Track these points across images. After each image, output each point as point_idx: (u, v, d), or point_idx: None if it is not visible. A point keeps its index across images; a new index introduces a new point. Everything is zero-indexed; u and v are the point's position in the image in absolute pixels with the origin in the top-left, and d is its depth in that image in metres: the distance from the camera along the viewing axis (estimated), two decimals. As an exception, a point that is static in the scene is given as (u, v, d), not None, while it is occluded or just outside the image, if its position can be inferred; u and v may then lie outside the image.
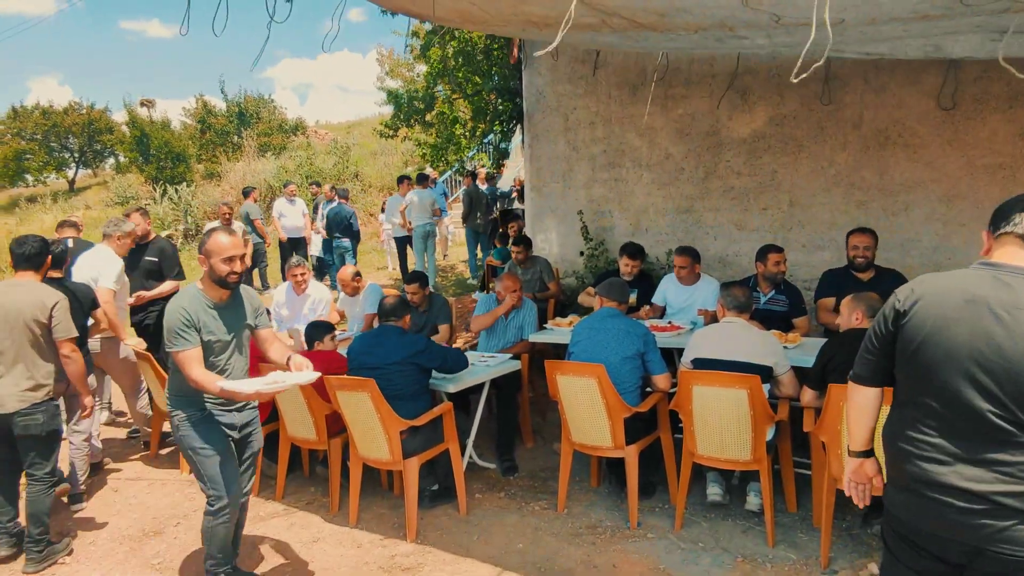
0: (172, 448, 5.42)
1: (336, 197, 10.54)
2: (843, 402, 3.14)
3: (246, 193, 10.82)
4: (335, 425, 4.19)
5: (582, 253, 6.84)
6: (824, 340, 4.01)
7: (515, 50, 5.67)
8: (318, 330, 4.67)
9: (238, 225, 9.73)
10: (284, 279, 6.42)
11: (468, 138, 9.08)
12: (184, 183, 17.43)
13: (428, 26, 9.42)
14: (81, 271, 4.84)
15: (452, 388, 4.20)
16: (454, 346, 5.75)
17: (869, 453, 2.15)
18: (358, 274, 5.87)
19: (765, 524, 3.62)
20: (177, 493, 4.64)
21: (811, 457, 3.75)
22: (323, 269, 10.79)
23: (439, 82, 9.28)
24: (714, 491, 3.90)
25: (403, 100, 9.40)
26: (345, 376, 3.90)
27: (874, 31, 3.50)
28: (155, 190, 17.02)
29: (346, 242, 10.01)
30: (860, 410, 2.10)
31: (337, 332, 4.91)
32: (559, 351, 4.60)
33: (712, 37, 3.89)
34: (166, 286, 5.60)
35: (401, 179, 10.29)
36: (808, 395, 3.55)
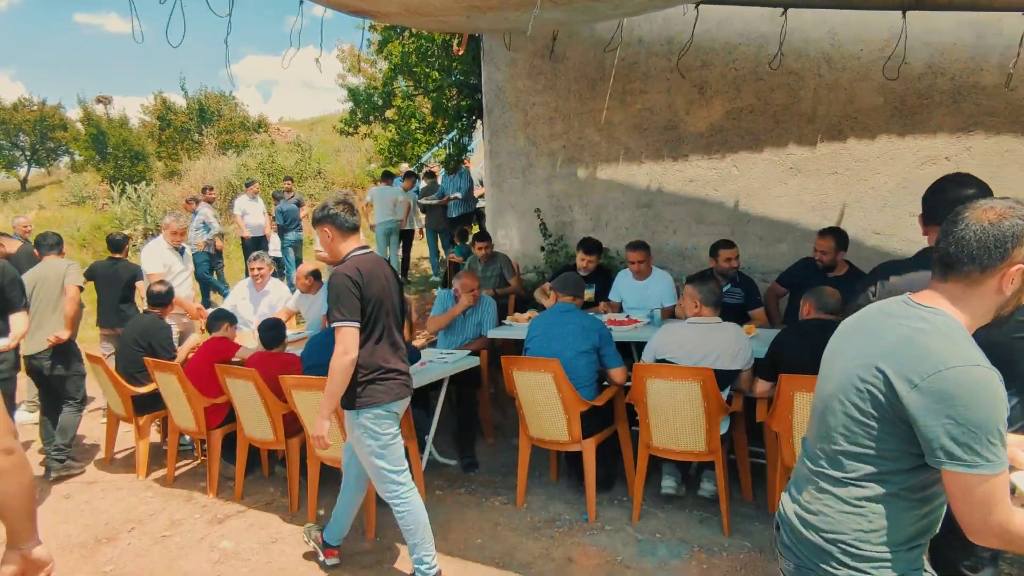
0: (128, 451, 5.32)
1: (291, 193, 10.56)
2: (794, 392, 3.20)
3: (203, 191, 10.65)
4: (293, 425, 4.15)
5: (543, 249, 6.85)
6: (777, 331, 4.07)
7: (463, 42, 5.64)
8: (217, 320, 4.91)
9: (206, 217, 9.62)
10: (247, 276, 6.34)
11: (427, 134, 9.02)
12: (143, 182, 17.07)
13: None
14: None
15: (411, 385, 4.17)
16: (414, 343, 5.72)
17: None
18: (312, 273, 5.81)
19: (721, 514, 3.67)
20: (132, 497, 4.55)
21: (765, 446, 3.81)
22: (283, 269, 10.68)
23: (399, 78, 9.21)
24: (668, 483, 3.93)
25: (362, 97, 9.30)
26: (300, 376, 3.85)
27: None
28: (113, 189, 16.64)
29: (292, 235, 10.11)
30: None
31: (291, 332, 4.88)
32: (520, 347, 4.60)
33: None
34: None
35: (408, 175, 10.23)
36: (761, 386, 3.60)
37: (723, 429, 3.61)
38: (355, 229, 3.19)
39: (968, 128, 5.53)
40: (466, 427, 4.80)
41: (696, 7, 5.63)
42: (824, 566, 1.54)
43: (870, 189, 5.83)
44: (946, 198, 2.08)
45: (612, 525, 3.79)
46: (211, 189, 10.82)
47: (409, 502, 3.21)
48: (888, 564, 1.49)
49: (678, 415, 3.54)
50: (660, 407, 3.58)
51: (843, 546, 1.51)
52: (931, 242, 2.08)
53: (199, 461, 5.09)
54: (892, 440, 1.46)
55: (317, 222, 3.18)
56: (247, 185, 10.69)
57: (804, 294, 3.64)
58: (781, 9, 5.35)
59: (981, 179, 2.20)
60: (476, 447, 4.86)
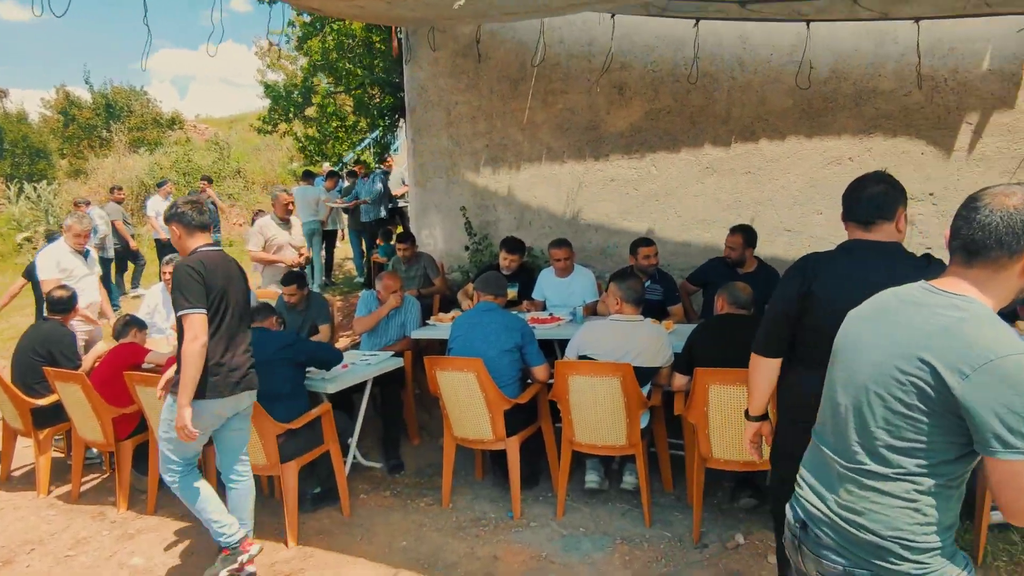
0: (27, 468, 5.02)
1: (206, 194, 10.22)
2: (709, 385, 3.30)
3: (112, 191, 10.16)
4: (207, 433, 4.00)
5: (467, 248, 6.84)
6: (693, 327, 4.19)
7: (395, 42, 5.57)
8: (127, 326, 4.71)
9: (101, 219, 9.13)
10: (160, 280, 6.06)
11: (349, 133, 8.85)
12: (45, 181, 16.12)
13: (307, 17, 9.14)
14: None
15: (331, 388, 4.10)
16: (336, 345, 5.62)
17: (765, 416, 2.45)
18: None
19: (642, 506, 3.75)
20: (32, 517, 4.29)
21: (684, 439, 3.91)
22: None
23: (319, 75, 9.01)
24: (591, 478, 4.00)
25: (281, 94, 9.05)
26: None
27: None
28: (9, 188, 15.65)
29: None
30: (765, 380, 2.36)
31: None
32: (444, 347, 4.58)
33: None
34: None
35: (330, 174, 9.94)
36: (678, 380, 3.70)
37: (643, 423, 3.69)
38: (202, 227, 3.30)
39: (869, 130, 5.84)
40: (391, 429, 4.75)
41: (612, 16, 5.75)
42: (882, 563, 1.50)
43: (781, 188, 6.07)
44: (863, 195, 2.25)
45: (537, 521, 3.82)
46: (119, 189, 10.33)
47: (180, 488, 3.32)
48: (940, 550, 1.50)
49: (599, 411, 3.59)
50: (582, 403, 3.63)
51: (902, 541, 1.48)
52: (851, 236, 2.30)
53: (107, 475, 4.85)
54: (940, 433, 1.43)
55: (167, 220, 3.31)
56: (159, 186, 10.26)
57: (718, 290, 3.76)
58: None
59: (894, 177, 2.34)
60: (401, 449, 4.81)
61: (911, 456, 1.46)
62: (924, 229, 5.79)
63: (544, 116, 6.67)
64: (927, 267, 2.18)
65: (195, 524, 4.02)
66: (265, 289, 6.05)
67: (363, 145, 10.59)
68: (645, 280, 5.01)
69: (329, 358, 4.09)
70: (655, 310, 4.93)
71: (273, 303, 5.06)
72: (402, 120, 8.48)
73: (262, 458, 3.70)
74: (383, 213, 9.52)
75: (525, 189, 6.82)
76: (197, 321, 3.04)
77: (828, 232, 5.95)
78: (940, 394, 1.40)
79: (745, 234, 4.88)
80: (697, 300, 5.60)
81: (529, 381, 4.12)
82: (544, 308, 5.33)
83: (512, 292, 5.54)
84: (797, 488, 1.74)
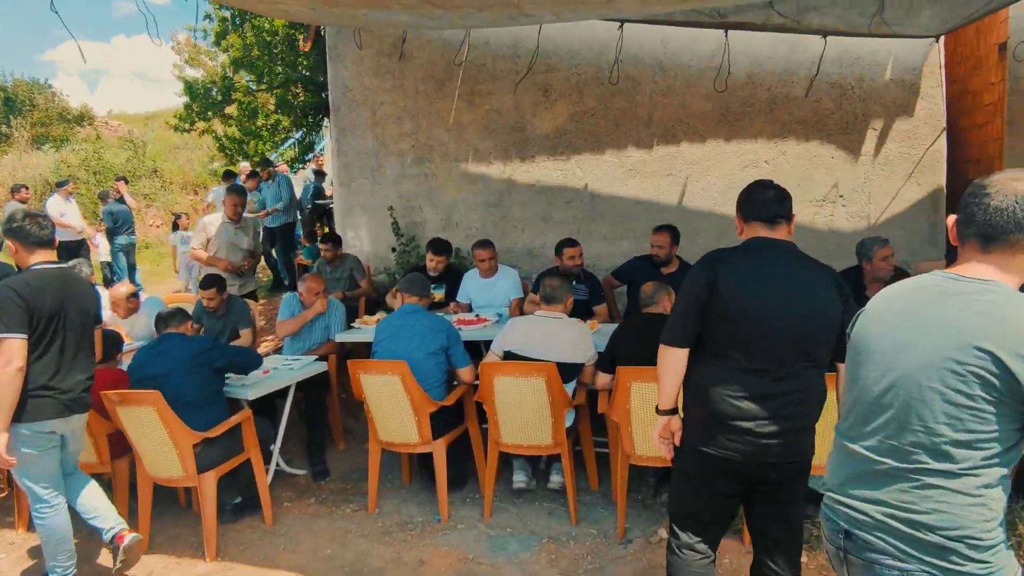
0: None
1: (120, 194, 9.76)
2: (631, 383, 3.36)
3: (14, 191, 9.57)
4: (119, 445, 3.82)
5: (394, 249, 6.76)
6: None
7: (310, 38, 5.45)
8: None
9: None
10: None
11: (272, 132, 8.61)
12: (-63, 178, 15.09)
13: (226, 11, 8.85)
14: None
15: (252, 394, 3.98)
16: (258, 350, 5.46)
17: (675, 410, 2.48)
18: (134, 295, 5.39)
19: (569, 504, 3.79)
20: (-77, 538, 4.01)
21: (608, 437, 3.97)
22: (114, 276, 9.85)
23: (240, 72, 8.74)
24: (519, 478, 4.02)
25: (199, 90, 8.72)
26: (126, 390, 3.56)
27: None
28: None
29: (123, 239, 9.39)
30: (674, 372, 2.39)
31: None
32: (370, 350, 4.51)
33: (504, 16, 3.94)
34: None
35: (251, 174, 9.56)
36: (601, 379, 3.75)
37: (568, 422, 3.73)
38: (42, 243, 3.19)
39: (782, 134, 6.08)
40: (316, 434, 4.65)
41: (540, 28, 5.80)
42: (945, 563, 1.45)
43: (701, 190, 6.25)
44: (767, 196, 2.39)
45: (464, 523, 3.81)
46: (24, 188, 9.74)
47: (46, 522, 3.20)
48: (1002, 544, 1.47)
49: (525, 411, 3.61)
50: (507, 404, 3.64)
51: (969, 541, 1.44)
52: (748, 235, 2.40)
53: (5, 493, 4.56)
54: (1006, 420, 1.41)
55: (4, 235, 3.23)
56: (59, 185, 9.70)
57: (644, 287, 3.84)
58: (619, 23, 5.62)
59: (779, 183, 2.48)
60: (327, 454, 4.71)
61: (978, 448, 1.43)
62: (836, 229, 6.06)
63: (470, 117, 6.67)
64: (822, 266, 2.34)
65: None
66: (183, 294, 5.84)
67: (287, 145, 10.32)
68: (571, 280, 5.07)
69: (248, 363, 3.97)
70: (581, 310, 4.98)
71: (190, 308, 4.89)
72: (327, 119, 8.31)
73: (178, 469, 3.56)
74: (292, 218, 9.23)
75: (452, 190, 6.79)
76: (11, 346, 2.94)
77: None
78: (1004, 381, 1.39)
79: (672, 233, 5.00)
80: (621, 299, 5.70)
81: (455, 383, 4.11)
82: (470, 310, 5.33)
83: (439, 294, 5.52)
84: (831, 496, 1.68)
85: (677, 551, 2.48)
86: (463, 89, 6.58)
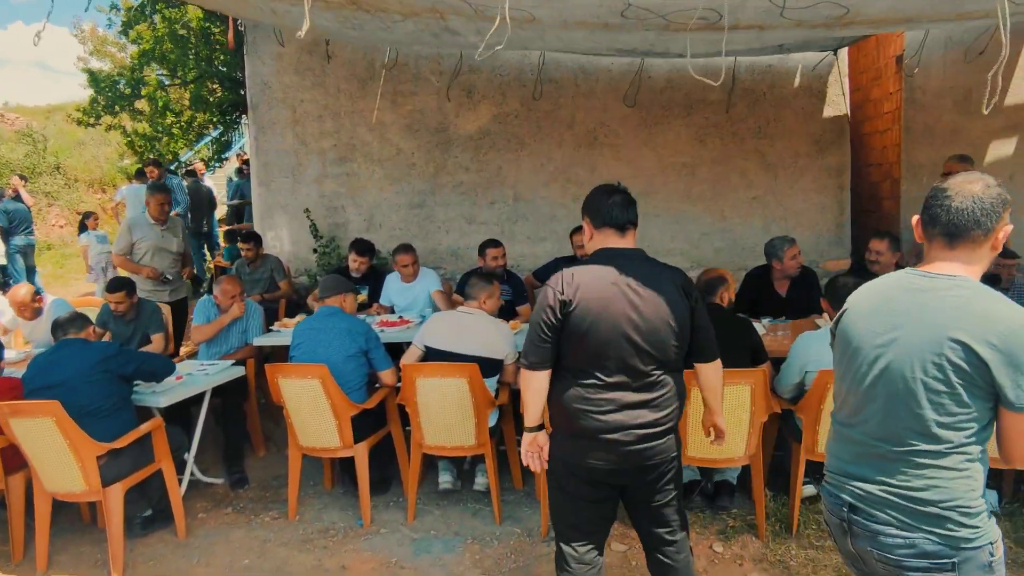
0: None
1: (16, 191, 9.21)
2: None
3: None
4: (14, 459, 3.59)
5: (315, 251, 6.63)
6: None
7: (231, 34, 5.27)
8: None
9: None
10: None
11: (186, 129, 8.26)
12: None
13: (135, 0, 8.46)
14: None
15: (164, 402, 3.82)
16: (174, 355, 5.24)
17: (541, 427, 2.47)
18: (37, 293, 5.09)
19: (493, 504, 3.80)
20: None
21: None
22: (9, 278, 9.26)
23: (151, 64, 8.36)
24: (444, 479, 4.00)
25: (104, 83, 8.29)
26: (20, 401, 3.35)
27: (568, 36, 3.80)
28: None
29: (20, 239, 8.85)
30: (538, 392, 2.37)
31: (14, 352, 4.24)
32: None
33: (428, 31, 3.93)
34: None
35: (139, 173, 9.04)
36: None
37: (492, 422, 3.74)
38: None
39: (700, 138, 6.27)
40: (233, 441, 4.50)
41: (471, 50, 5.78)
42: (942, 530, 1.63)
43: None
44: (618, 202, 2.38)
45: (388, 527, 3.77)
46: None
47: None
48: (985, 510, 1.66)
49: (447, 412, 3.60)
50: (430, 405, 3.62)
51: (961, 509, 1.63)
52: (598, 241, 2.40)
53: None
54: (978, 402, 1.60)
55: None
56: None
57: None
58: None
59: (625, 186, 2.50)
60: (246, 461, 4.57)
61: (959, 429, 1.62)
62: (749, 229, 6.30)
63: (393, 117, 6.61)
64: (670, 269, 2.40)
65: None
66: (91, 297, 5.54)
67: (202, 143, 9.94)
68: (493, 281, 5.09)
69: (158, 369, 3.80)
70: (505, 310, 5.00)
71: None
72: (245, 117, 8.06)
73: (80, 483, 3.37)
74: (192, 223, 8.86)
75: (375, 190, 6.71)
76: None
77: (664, 235, 6.34)
78: (975, 366, 1.57)
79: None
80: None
81: (377, 385, 4.06)
82: (392, 312, 5.27)
83: (362, 295, 5.44)
84: (834, 477, 1.85)
85: (568, 567, 2.48)
86: (386, 88, 6.51)
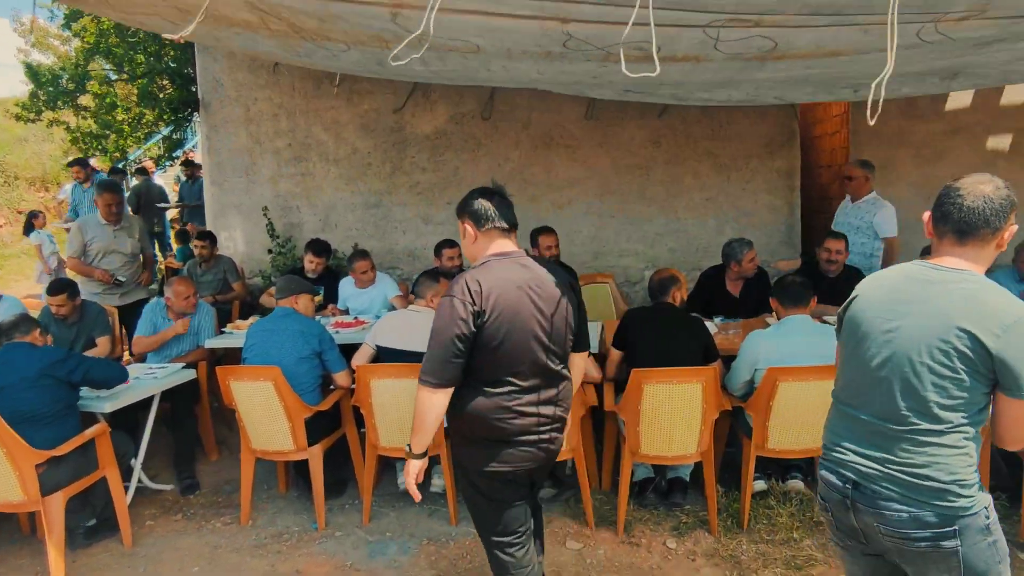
0: None
1: None
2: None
3: None
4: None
5: (270, 251, 6.52)
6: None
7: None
8: None
9: None
10: None
11: (134, 126, 8.03)
12: None
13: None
14: None
15: (109, 407, 3.71)
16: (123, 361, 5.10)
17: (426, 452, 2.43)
18: None
19: (449, 504, 3.79)
20: None
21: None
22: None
23: (96, 59, 8.10)
24: (402, 480, 3.97)
25: (45, 78, 8.01)
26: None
27: (514, 67, 3.78)
28: None
29: None
30: (440, 416, 2.34)
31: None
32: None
33: (374, 59, 3.87)
34: None
35: (113, 171, 8.66)
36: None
37: (447, 422, 3.72)
38: None
39: (655, 139, 6.35)
40: (183, 446, 4.40)
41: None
42: (942, 503, 1.76)
43: (578, 194, 6.43)
44: (505, 204, 2.41)
45: (343, 530, 3.73)
46: None
47: None
48: (978, 484, 1.80)
49: (402, 413, 3.57)
50: (384, 406, 3.60)
51: (959, 482, 1.76)
52: (483, 243, 2.38)
53: None
54: (977, 387, 1.73)
55: None
56: None
57: None
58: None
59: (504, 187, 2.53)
60: (197, 466, 4.48)
61: (959, 410, 1.75)
62: (703, 230, 6.40)
63: (349, 116, 6.54)
64: (556, 266, 2.45)
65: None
66: (32, 299, 5.35)
67: (152, 141, 9.68)
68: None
69: (111, 377, 3.66)
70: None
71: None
72: (197, 115, 7.88)
73: (17, 493, 3.23)
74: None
75: (331, 190, 6.64)
76: None
77: (619, 236, 6.40)
78: (978, 354, 1.70)
79: (557, 236, 5.13)
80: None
81: (332, 387, 4.02)
82: (348, 314, 5.22)
83: (318, 296, 5.37)
84: (836, 455, 1.94)
85: (511, 574, 2.49)
86: (342, 87, 6.45)
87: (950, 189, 1.84)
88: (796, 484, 3.74)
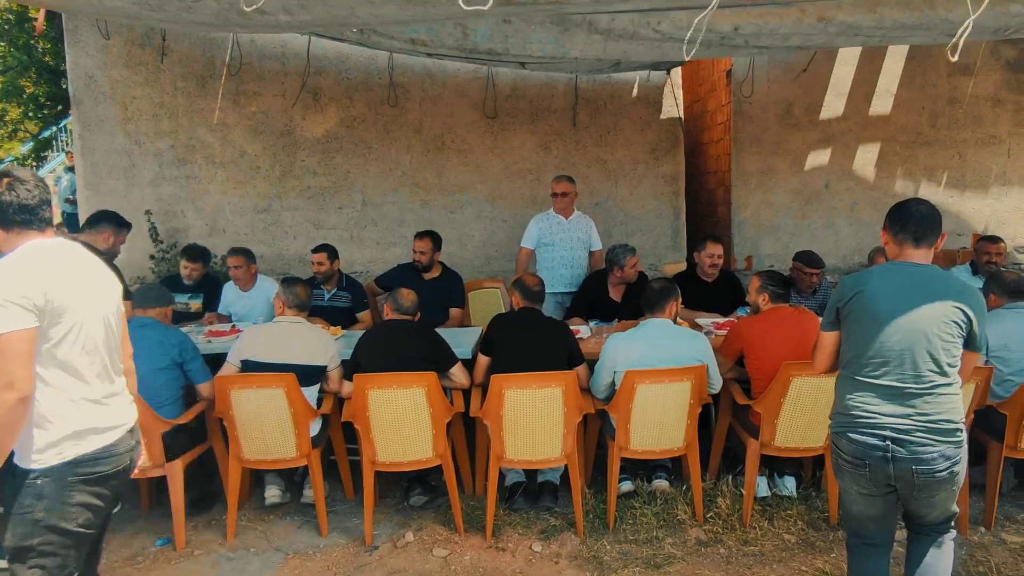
0: None
1: None
2: (368, 389, 3.37)
3: None
4: None
5: (152, 257, 6.25)
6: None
7: (40, 18, 4.85)
8: None
9: None
10: None
11: None
12: None
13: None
14: None
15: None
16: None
17: None
18: None
19: (318, 516, 3.71)
20: None
21: (359, 444, 3.94)
22: None
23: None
24: (271, 492, 3.88)
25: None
26: None
27: (379, 11, 3.62)
28: None
29: None
30: None
31: None
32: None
33: (233, 10, 3.66)
34: None
35: None
36: (346, 386, 3.72)
37: (314, 431, 3.66)
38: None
39: (545, 145, 6.42)
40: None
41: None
42: (954, 439, 2.33)
43: (470, 199, 6.43)
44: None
45: (202, 548, 3.59)
46: None
47: None
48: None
49: (265, 422, 3.49)
50: (247, 417, 3.50)
51: (961, 421, 2.36)
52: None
53: None
54: (962, 347, 2.36)
55: None
56: None
57: (387, 296, 3.87)
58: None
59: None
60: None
61: (954, 367, 2.36)
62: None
63: (236, 118, 6.35)
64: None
65: None
66: None
67: (27, 143, 9.14)
68: (332, 287, 5.00)
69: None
70: (344, 316, 4.93)
71: None
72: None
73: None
74: None
75: (218, 193, 6.42)
76: None
77: (512, 240, 6.43)
78: (965, 323, 2.33)
79: (433, 239, 5.07)
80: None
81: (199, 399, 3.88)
82: (230, 321, 5.05)
83: (196, 303, 5.19)
84: (870, 420, 2.37)
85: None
86: (228, 88, 6.26)
87: (903, 206, 2.44)
88: (661, 484, 3.84)
